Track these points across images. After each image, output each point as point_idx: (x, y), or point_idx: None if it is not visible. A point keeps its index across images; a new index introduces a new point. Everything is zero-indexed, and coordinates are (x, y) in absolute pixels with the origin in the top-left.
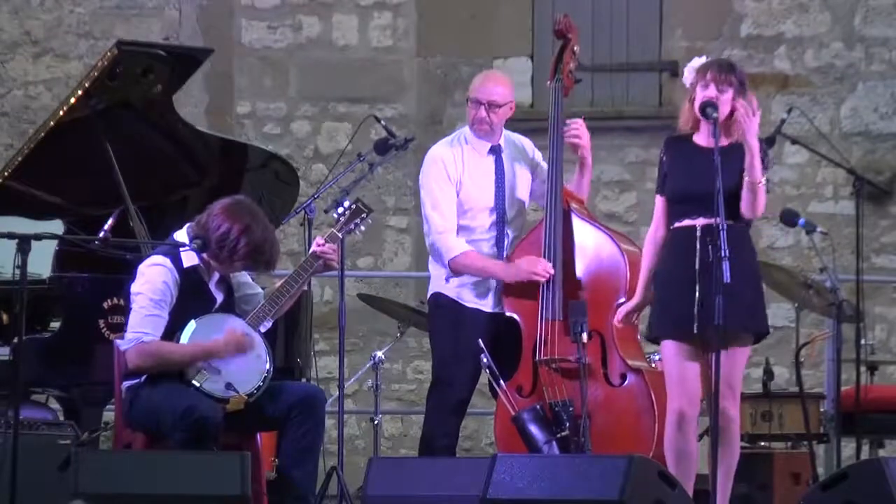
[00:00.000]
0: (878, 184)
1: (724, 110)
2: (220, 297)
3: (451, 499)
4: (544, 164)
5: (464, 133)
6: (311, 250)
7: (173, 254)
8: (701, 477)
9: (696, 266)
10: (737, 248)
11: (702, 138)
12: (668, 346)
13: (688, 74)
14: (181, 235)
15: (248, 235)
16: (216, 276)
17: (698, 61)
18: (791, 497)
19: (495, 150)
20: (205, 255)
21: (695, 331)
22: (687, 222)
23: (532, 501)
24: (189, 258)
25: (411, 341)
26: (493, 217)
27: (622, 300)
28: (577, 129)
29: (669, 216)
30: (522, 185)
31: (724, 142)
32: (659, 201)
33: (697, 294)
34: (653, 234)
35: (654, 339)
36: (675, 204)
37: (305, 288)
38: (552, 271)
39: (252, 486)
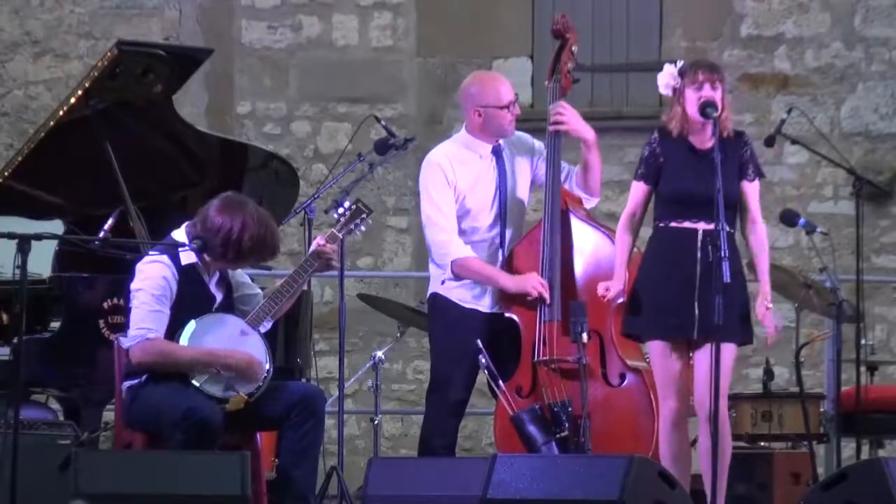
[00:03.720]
0: (878, 184)
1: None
2: (219, 296)
3: (451, 499)
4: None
5: (462, 137)
6: (310, 249)
7: (171, 251)
8: (694, 477)
9: (698, 270)
10: (732, 254)
11: (697, 140)
12: (657, 346)
13: (668, 80)
14: (179, 234)
15: (248, 230)
16: (216, 275)
17: (671, 68)
18: (791, 497)
19: (496, 151)
20: (205, 256)
21: (694, 336)
22: (687, 224)
23: (532, 501)
24: (187, 256)
25: (411, 341)
26: (493, 218)
27: (621, 300)
28: (559, 115)
29: (659, 213)
30: (522, 183)
31: (712, 141)
32: (641, 188)
33: (697, 297)
34: (629, 217)
35: (636, 337)
36: (672, 203)
37: (305, 287)
38: (546, 300)
39: (252, 486)
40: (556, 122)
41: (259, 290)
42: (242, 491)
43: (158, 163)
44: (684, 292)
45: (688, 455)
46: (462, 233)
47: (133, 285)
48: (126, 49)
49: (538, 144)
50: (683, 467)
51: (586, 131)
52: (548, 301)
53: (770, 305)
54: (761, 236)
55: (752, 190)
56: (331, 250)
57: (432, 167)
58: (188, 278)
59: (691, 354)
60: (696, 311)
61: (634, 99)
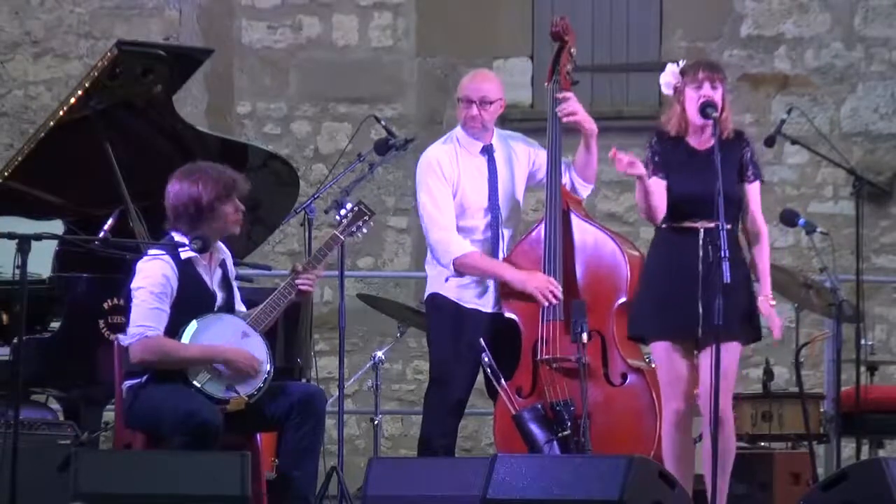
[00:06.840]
0: (878, 184)
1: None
2: (220, 295)
3: (451, 499)
4: (543, 151)
5: (455, 134)
6: (288, 278)
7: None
8: (697, 477)
9: (700, 269)
10: (735, 253)
11: (695, 140)
12: (661, 347)
13: (670, 79)
14: (178, 233)
15: (205, 180)
16: (218, 272)
17: (673, 67)
18: (791, 497)
19: (487, 150)
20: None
21: (699, 334)
22: (688, 224)
23: (532, 501)
24: (187, 253)
25: (411, 341)
26: (489, 217)
27: (623, 300)
28: (568, 107)
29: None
30: (517, 183)
31: (712, 142)
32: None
33: (700, 296)
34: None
35: (641, 339)
36: (672, 205)
37: None
38: (558, 299)
39: (252, 486)
40: (569, 113)
41: (243, 308)
42: (242, 491)
43: (158, 163)
44: (687, 292)
45: (691, 455)
46: (459, 231)
47: (133, 284)
48: (126, 49)
49: (534, 145)
50: (686, 468)
51: (591, 122)
52: (559, 300)
53: (773, 302)
54: (762, 236)
55: (752, 191)
56: (308, 282)
57: (428, 164)
58: (188, 274)
59: (696, 354)
60: (700, 311)
61: (634, 99)
